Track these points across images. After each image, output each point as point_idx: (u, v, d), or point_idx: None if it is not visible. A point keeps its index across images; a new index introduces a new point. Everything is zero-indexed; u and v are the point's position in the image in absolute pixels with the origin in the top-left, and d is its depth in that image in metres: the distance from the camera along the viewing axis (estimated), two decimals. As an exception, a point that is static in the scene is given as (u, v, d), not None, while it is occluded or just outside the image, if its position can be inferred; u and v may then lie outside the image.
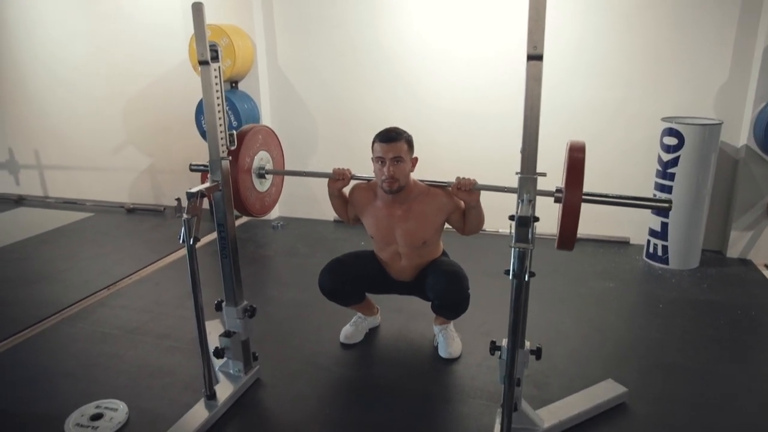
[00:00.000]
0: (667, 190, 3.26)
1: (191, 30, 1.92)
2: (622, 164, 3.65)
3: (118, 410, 2.10)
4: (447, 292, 2.21)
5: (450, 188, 2.09)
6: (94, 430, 1.99)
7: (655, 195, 3.35)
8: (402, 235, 2.27)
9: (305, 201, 4.45)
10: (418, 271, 2.36)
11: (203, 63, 1.87)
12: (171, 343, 2.61)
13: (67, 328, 2.81)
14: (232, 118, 4.05)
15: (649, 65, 3.45)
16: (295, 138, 4.40)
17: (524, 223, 1.43)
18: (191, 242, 1.82)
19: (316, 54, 4.12)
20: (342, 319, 2.62)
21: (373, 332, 2.64)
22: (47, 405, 2.16)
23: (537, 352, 1.76)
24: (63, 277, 3.50)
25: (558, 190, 1.67)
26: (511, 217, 1.47)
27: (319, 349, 2.51)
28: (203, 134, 4.16)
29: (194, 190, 1.86)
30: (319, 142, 4.34)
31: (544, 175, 1.58)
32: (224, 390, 2.14)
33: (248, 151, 2.36)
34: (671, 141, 3.21)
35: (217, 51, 1.89)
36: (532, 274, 1.47)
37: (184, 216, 1.80)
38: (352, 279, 2.37)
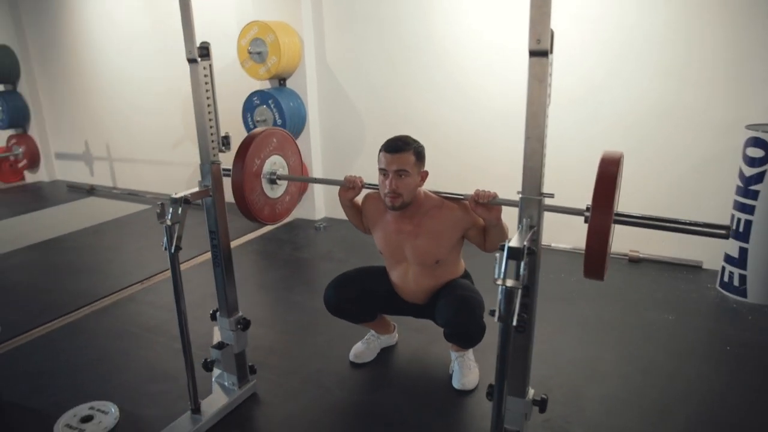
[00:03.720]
0: (749, 210, 2.78)
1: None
2: (694, 179, 3.18)
3: (108, 414, 2.05)
4: (457, 320, 1.97)
5: (467, 201, 1.85)
6: (81, 433, 1.95)
7: (733, 216, 2.87)
8: (412, 252, 2.05)
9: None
10: (432, 294, 2.13)
11: (191, 61, 1.75)
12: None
13: (91, 323, 2.85)
14: (276, 116, 3.99)
15: (731, 63, 2.96)
16: (340, 139, 4.28)
17: (515, 254, 1.17)
18: (173, 251, 1.72)
19: (366, 52, 3.97)
20: (358, 334, 2.44)
21: (387, 352, 2.43)
22: (45, 402, 2.16)
23: (541, 404, 1.49)
24: (105, 269, 3.60)
25: (588, 209, 1.40)
26: (502, 247, 1.21)
27: (326, 366, 2.35)
28: (249, 131, 4.13)
29: (178, 195, 1.75)
30: (365, 144, 4.18)
31: (551, 196, 1.31)
32: (212, 404, 2.03)
33: (258, 154, 2.23)
34: (757, 153, 2.73)
35: (207, 48, 1.77)
36: (522, 319, 1.21)
37: (166, 222, 1.70)
38: (359, 297, 2.18)
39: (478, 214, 1.88)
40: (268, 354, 2.46)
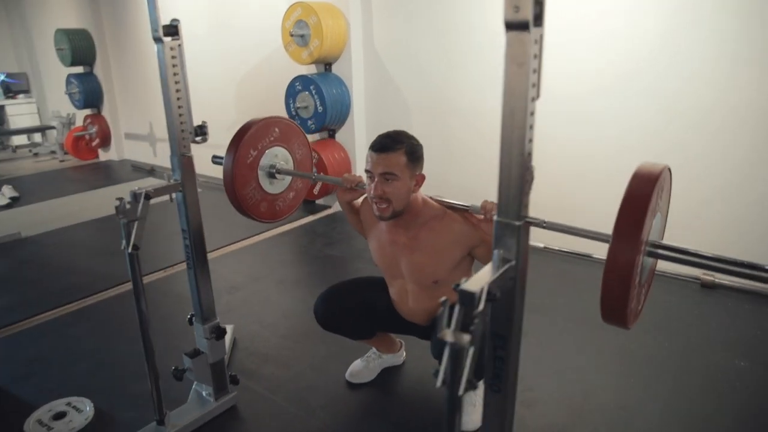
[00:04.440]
0: None
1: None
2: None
3: (82, 412, 1.95)
4: None
5: (477, 212, 1.53)
6: (48, 430, 1.86)
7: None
8: (408, 269, 1.76)
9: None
10: (432, 316, 1.83)
11: (156, 40, 1.55)
12: (191, 340, 2.42)
13: (105, 309, 2.81)
14: (317, 103, 3.79)
15: None
16: (386, 127, 4.00)
17: (467, 300, 0.86)
18: (129, 250, 1.55)
19: (415, 36, 3.65)
20: (363, 348, 2.19)
21: (389, 373, 2.16)
22: (29, 390, 2.11)
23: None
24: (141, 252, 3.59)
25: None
26: (455, 286, 0.90)
27: (318, 382, 2.11)
28: (291, 118, 3.96)
29: (138, 189, 1.57)
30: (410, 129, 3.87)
31: (539, 223, 0.98)
32: (183, 415, 1.86)
33: (255, 144, 2.04)
34: None
35: (176, 27, 1.56)
36: (471, 385, 0.90)
37: (122, 220, 1.53)
38: (352, 312, 1.91)
39: (483, 231, 1.56)
40: (262, 362, 2.27)
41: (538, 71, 0.90)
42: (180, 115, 1.63)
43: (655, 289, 1.11)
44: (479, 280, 0.91)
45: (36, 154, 7.12)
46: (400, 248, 1.73)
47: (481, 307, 0.87)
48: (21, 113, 7.44)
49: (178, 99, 1.62)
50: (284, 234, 3.87)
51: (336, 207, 4.30)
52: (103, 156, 6.62)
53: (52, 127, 6.94)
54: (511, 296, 1.01)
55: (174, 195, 1.69)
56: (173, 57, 1.58)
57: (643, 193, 1.10)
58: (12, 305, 2.86)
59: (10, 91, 7.50)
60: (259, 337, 2.47)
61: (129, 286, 2.95)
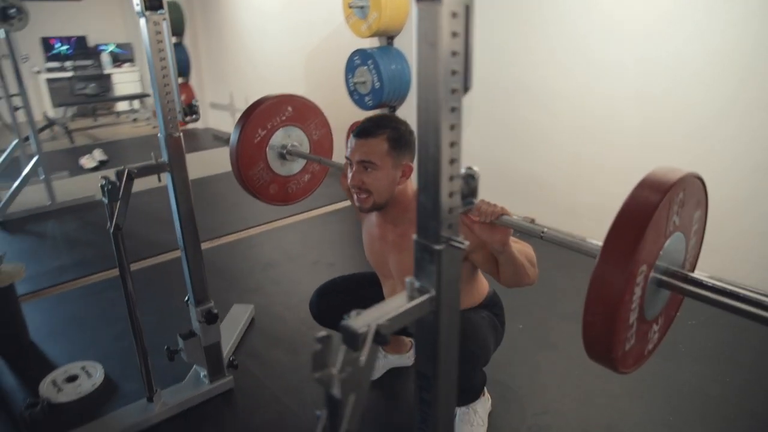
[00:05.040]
0: None
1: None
2: None
3: (92, 378, 2.02)
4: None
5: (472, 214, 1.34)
6: (58, 391, 1.95)
7: None
8: (396, 269, 1.59)
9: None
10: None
11: (139, 14, 1.47)
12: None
13: (152, 274, 2.94)
14: (375, 79, 3.63)
15: None
16: (446, 107, 3.76)
17: (350, 340, 0.70)
18: (112, 230, 1.53)
19: (483, 9, 3.34)
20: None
21: (394, 375, 2.02)
22: (58, 350, 2.23)
23: None
24: (200, 219, 3.71)
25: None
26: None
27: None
28: (350, 93, 3.85)
29: (120, 168, 1.54)
30: (473, 116, 3.61)
31: (459, 245, 0.78)
32: (176, 394, 1.86)
33: (264, 123, 1.95)
34: None
35: (160, 0, 1.47)
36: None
37: (104, 199, 1.51)
38: (345, 309, 1.78)
39: (476, 233, 1.35)
40: (272, 346, 2.22)
41: (463, 55, 0.70)
42: (167, 93, 1.56)
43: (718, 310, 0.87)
44: (372, 315, 0.74)
45: (135, 120, 7.64)
46: (389, 246, 1.57)
47: (365, 351, 0.70)
48: (125, 81, 8.00)
49: (164, 77, 1.54)
50: (331, 213, 3.81)
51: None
52: (190, 124, 6.94)
53: (148, 95, 7.39)
54: (432, 332, 0.82)
55: (162, 176, 1.64)
56: (158, 33, 1.50)
57: (647, 202, 0.89)
58: (67, 265, 3.06)
59: (118, 60, 8.07)
60: (278, 320, 2.43)
61: (171, 255, 3.09)
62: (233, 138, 1.89)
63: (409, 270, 1.52)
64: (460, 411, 1.68)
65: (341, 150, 1.57)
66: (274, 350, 2.20)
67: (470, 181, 0.87)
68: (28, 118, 3.76)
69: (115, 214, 1.52)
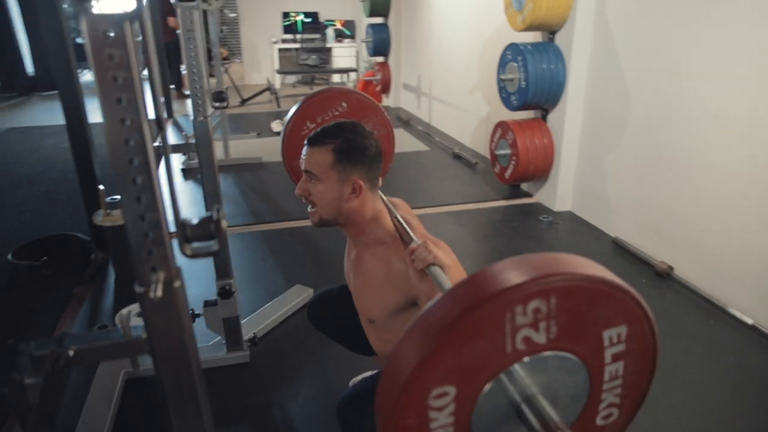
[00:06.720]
0: None
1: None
2: None
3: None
4: (338, 412, 1.37)
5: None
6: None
7: None
8: (353, 290, 1.47)
9: (597, 201, 3.32)
10: (379, 355, 1.52)
11: (174, 4, 1.58)
12: (261, 289, 2.62)
13: (288, 235, 3.24)
14: (522, 77, 3.31)
15: None
16: (601, 118, 3.24)
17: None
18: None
19: (664, 5, 2.73)
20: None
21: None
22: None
23: None
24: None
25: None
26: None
27: (334, 375, 2.02)
28: (498, 91, 3.59)
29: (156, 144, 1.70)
30: (627, 127, 3.03)
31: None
32: (193, 354, 2.05)
33: (313, 116, 1.95)
34: None
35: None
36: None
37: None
38: (336, 322, 1.72)
39: (414, 280, 1.18)
40: (309, 334, 2.23)
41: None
42: (195, 80, 1.67)
43: None
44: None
45: (343, 92, 8.31)
46: (350, 265, 1.45)
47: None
48: (343, 55, 8.74)
49: (192, 65, 1.65)
50: (457, 213, 3.64)
51: (537, 198, 3.79)
52: (385, 101, 7.29)
53: (354, 70, 7.95)
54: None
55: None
56: (190, 22, 1.60)
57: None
58: (238, 213, 3.58)
59: (341, 36, 8.83)
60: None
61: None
62: (283, 130, 1.94)
63: (356, 296, 1.42)
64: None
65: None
66: (310, 338, 2.24)
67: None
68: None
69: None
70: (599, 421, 0.90)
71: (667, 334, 2.25)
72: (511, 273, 0.74)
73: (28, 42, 7.70)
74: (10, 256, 2.65)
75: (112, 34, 0.57)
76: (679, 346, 2.18)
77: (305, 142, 1.33)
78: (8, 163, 4.64)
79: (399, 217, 1.31)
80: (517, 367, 0.76)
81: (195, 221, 0.73)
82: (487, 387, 0.76)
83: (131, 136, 0.64)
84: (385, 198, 1.41)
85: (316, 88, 8.66)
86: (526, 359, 0.77)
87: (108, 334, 0.75)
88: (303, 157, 1.32)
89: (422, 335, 0.73)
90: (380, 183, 1.49)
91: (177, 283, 0.71)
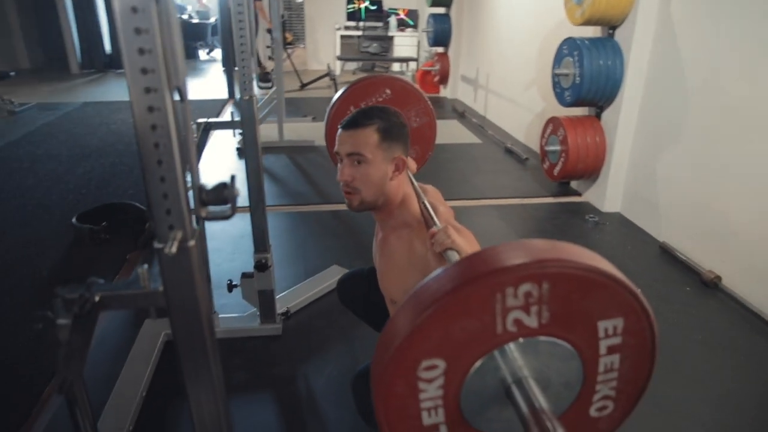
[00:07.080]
0: None
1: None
2: None
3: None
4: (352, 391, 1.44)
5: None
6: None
7: None
8: (378, 273, 1.51)
9: (647, 204, 3.21)
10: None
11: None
12: (303, 264, 2.70)
13: (329, 216, 3.35)
14: (577, 73, 3.23)
15: None
16: (658, 119, 3.11)
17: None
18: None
19: (734, 4, 2.59)
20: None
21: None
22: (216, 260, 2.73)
23: None
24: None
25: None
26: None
27: (348, 361, 2.08)
28: (553, 85, 3.52)
29: (201, 120, 1.81)
30: (683, 129, 2.89)
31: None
32: (228, 320, 2.16)
33: (356, 101, 2.00)
34: None
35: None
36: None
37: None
38: (363, 301, 1.77)
39: (429, 258, 1.21)
40: (341, 313, 2.28)
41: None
42: (242, 60, 1.74)
43: None
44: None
45: (399, 81, 8.32)
46: (377, 247, 1.50)
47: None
48: (404, 44, 8.74)
49: (241, 45, 1.72)
50: (500, 207, 3.60)
51: (586, 197, 3.70)
52: (443, 92, 7.25)
53: (414, 59, 7.93)
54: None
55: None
56: (239, 5, 1.67)
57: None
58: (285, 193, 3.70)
59: (403, 25, 8.83)
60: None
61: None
62: (326, 115, 1.99)
63: (381, 277, 1.47)
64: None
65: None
66: (342, 317, 2.30)
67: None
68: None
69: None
70: (593, 413, 0.90)
71: (707, 344, 2.17)
72: (507, 255, 0.76)
73: (108, 22, 8.17)
74: (74, 220, 2.87)
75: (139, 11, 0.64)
76: (718, 357, 2.10)
77: (339, 126, 1.37)
78: (82, 134, 4.96)
79: (426, 201, 1.34)
80: (509, 347, 0.78)
81: (210, 186, 0.80)
82: (478, 364, 0.79)
83: (154, 105, 0.70)
84: (416, 183, 1.44)
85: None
86: (518, 341, 0.79)
87: (129, 284, 0.82)
88: (341, 141, 1.35)
89: (414, 308, 0.76)
90: (415, 169, 1.52)
91: (191, 243, 0.78)
